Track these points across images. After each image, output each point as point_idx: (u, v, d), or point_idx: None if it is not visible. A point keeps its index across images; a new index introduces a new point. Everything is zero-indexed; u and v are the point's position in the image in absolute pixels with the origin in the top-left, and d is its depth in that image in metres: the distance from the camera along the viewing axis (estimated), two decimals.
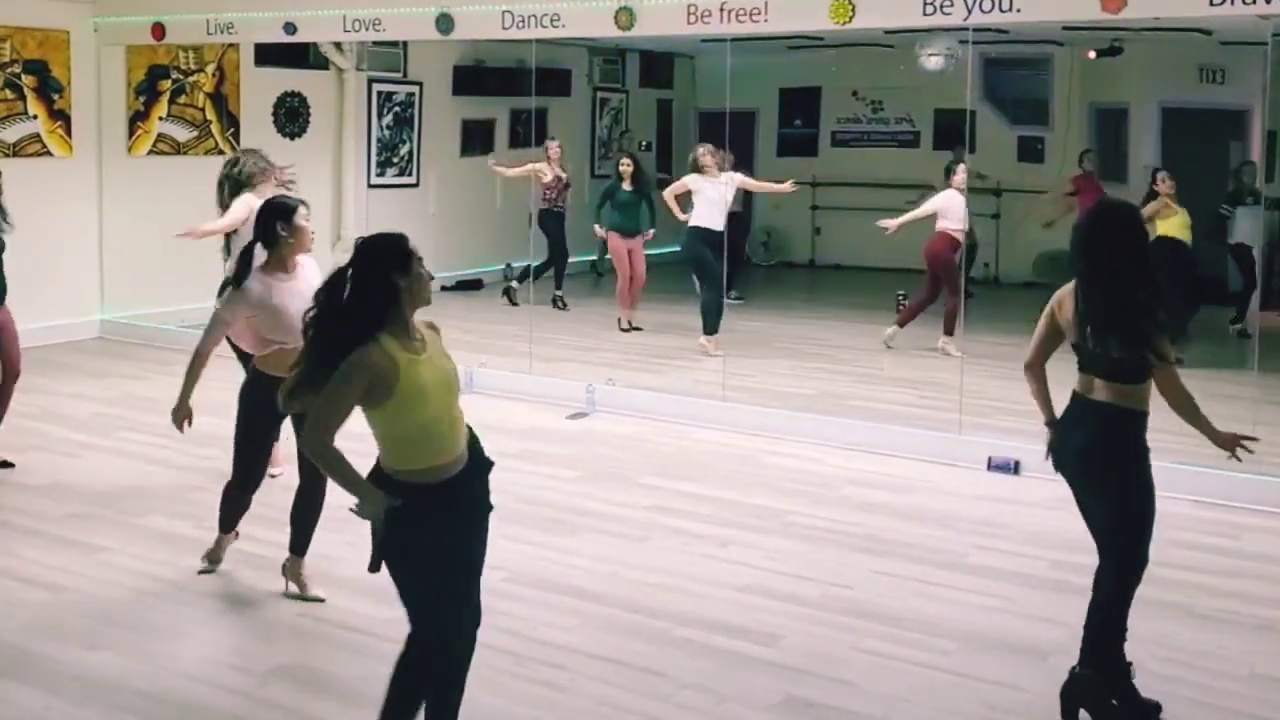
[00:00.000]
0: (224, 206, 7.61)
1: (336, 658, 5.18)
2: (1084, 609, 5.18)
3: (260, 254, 5.70)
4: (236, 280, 5.65)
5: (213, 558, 6.10)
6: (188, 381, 5.64)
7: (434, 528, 3.89)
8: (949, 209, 11.42)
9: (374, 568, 3.92)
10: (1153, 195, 11.46)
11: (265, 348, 5.65)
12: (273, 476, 6.76)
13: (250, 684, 4.95)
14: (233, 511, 6.04)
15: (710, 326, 11.46)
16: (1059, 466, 4.87)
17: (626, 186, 12.91)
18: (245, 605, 5.76)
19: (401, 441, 3.89)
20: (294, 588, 5.76)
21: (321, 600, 5.70)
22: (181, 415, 5.68)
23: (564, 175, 14.01)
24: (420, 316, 4.08)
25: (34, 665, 5.04)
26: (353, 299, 3.85)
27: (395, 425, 3.88)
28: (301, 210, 5.69)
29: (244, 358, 6.39)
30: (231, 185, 7.58)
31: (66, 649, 5.19)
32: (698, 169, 11.67)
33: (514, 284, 14.14)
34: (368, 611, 5.50)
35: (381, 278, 3.87)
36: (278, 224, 5.60)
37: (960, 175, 11.50)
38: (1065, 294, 4.76)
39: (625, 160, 13.15)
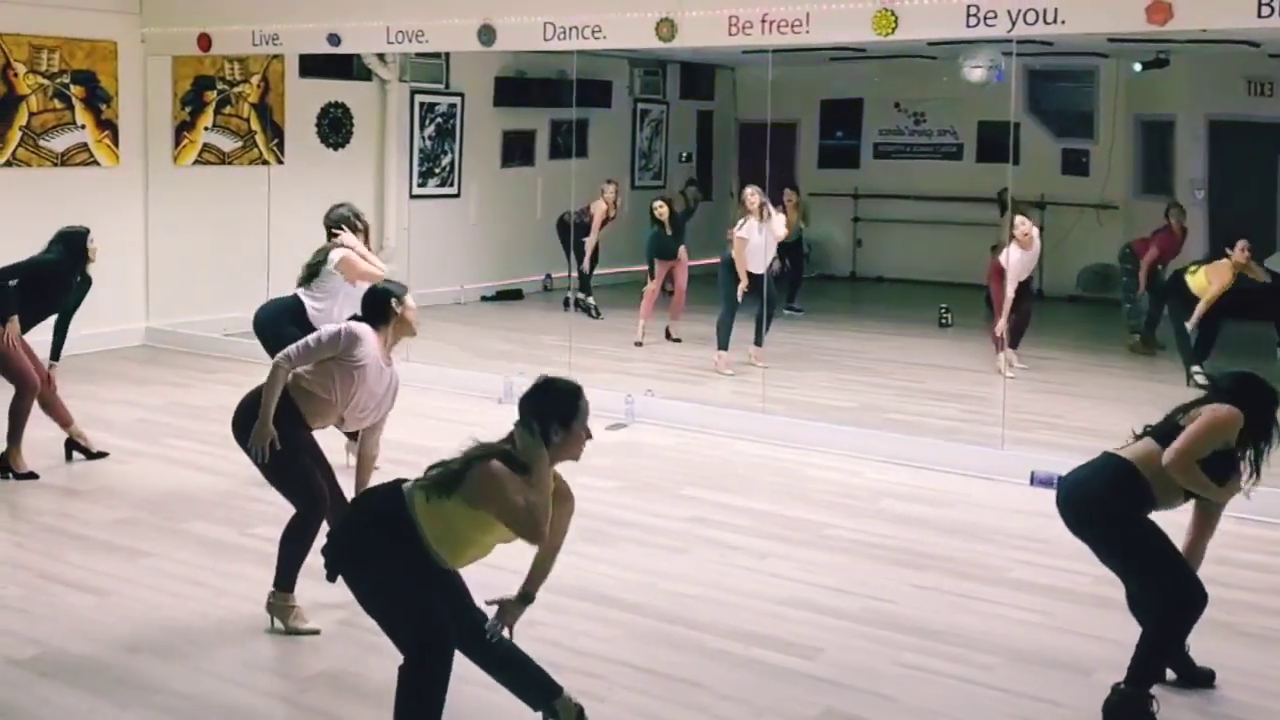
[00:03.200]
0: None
1: (377, 664, 5.19)
2: (1125, 625, 5.16)
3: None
4: None
5: (290, 624, 5.52)
6: (267, 399, 5.35)
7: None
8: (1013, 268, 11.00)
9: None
10: (1220, 255, 11.02)
11: (308, 399, 5.46)
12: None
13: (291, 689, 4.98)
14: (301, 554, 5.54)
15: (722, 341, 11.37)
16: (1057, 502, 5.04)
17: (667, 233, 12.87)
18: None
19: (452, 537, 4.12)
20: None
21: None
22: (265, 437, 5.35)
23: (613, 213, 14.10)
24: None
25: (79, 668, 5.09)
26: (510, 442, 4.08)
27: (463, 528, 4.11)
28: (409, 297, 5.64)
29: None
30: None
31: (111, 652, 5.24)
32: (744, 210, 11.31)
33: (590, 300, 14.17)
34: None
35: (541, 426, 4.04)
36: (391, 300, 5.56)
37: (1024, 228, 11.01)
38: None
39: (659, 204, 12.99)
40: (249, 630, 5.51)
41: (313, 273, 7.82)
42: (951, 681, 5.11)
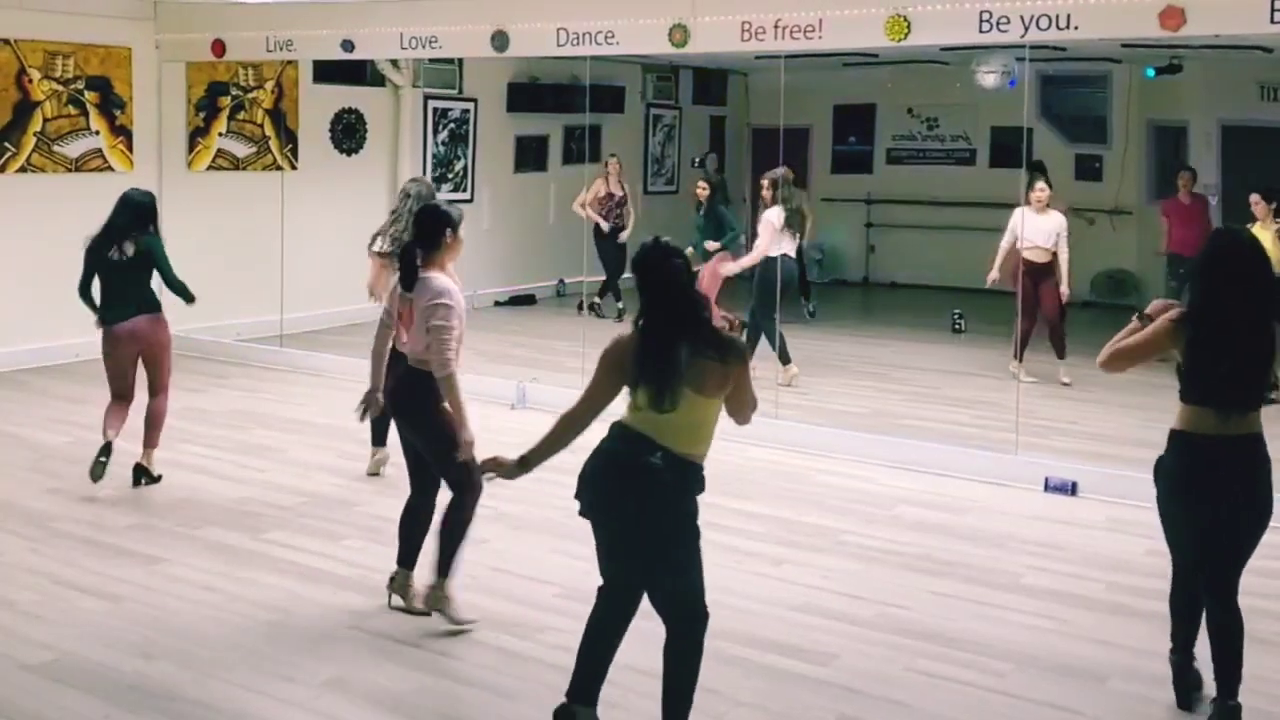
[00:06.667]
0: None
1: (389, 670, 5.20)
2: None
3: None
4: (407, 278, 5.60)
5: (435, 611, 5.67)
6: (375, 370, 5.83)
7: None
8: (1016, 226, 10.97)
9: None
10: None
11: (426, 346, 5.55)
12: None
13: (304, 694, 4.98)
14: (462, 539, 5.65)
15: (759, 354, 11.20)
16: None
17: (701, 213, 12.69)
18: (298, 616, 5.78)
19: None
20: (399, 601, 5.79)
21: (427, 614, 5.65)
22: (374, 403, 5.82)
23: (618, 192, 14.03)
24: None
25: (92, 673, 5.10)
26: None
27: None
28: (461, 229, 5.81)
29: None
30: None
31: (124, 658, 5.25)
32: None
33: (596, 299, 14.18)
34: (420, 624, 5.52)
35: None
36: (447, 230, 5.67)
37: (1036, 192, 11.01)
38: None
39: (701, 184, 12.63)
40: (263, 636, 5.52)
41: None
42: (966, 688, 5.09)
